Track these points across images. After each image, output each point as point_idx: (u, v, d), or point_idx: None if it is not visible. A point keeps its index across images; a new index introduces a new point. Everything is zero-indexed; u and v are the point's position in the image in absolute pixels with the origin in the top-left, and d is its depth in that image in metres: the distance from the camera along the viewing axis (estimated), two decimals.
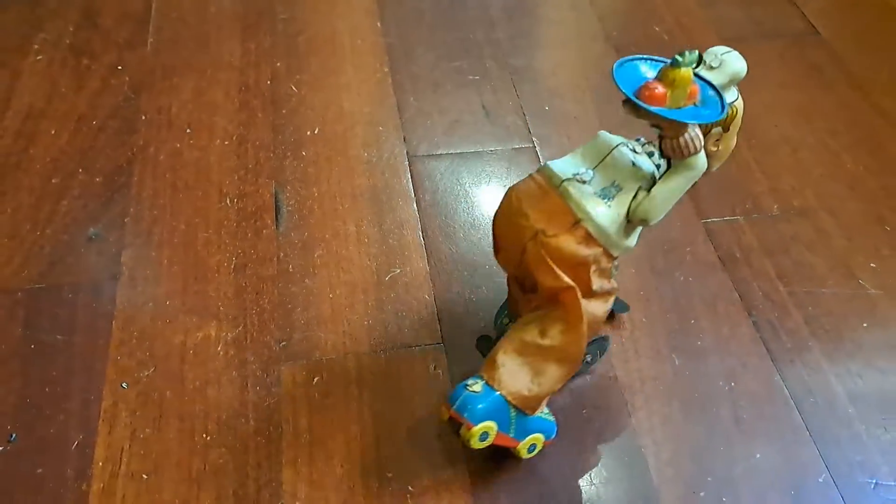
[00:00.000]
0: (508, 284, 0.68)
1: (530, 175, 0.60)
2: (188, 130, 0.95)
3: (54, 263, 0.80)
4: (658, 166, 0.59)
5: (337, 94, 1.01)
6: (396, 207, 0.88)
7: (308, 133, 0.96)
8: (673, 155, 0.55)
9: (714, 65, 0.58)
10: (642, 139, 0.61)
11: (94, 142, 0.93)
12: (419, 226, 0.87)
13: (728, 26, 1.15)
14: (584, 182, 0.57)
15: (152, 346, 0.74)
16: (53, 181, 0.89)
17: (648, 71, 0.55)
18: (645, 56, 0.56)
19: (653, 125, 0.56)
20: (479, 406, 0.58)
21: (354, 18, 1.12)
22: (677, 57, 0.53)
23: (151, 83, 1.01)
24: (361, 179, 0.91)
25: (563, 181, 0.57)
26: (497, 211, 0.61)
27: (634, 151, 0.59)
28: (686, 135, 0.54)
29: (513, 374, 0.59)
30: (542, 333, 0.59)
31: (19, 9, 1.10)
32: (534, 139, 0.97)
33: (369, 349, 0.75)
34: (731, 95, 0.61)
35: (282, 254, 0.82)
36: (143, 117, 0.96)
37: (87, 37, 1.07)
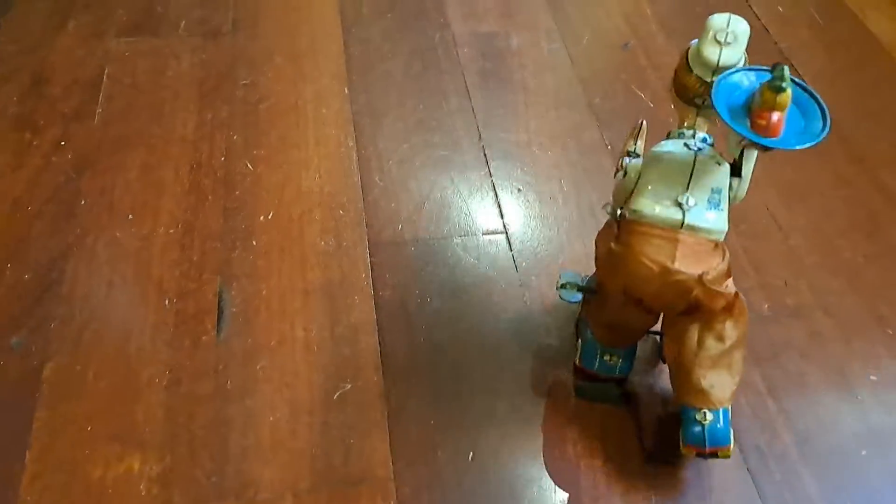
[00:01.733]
0: (614, 321, 0.67)
1: (638, 231, 0.58)
2: (130, 216, 0.88)
3: None
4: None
5: (296, 172, 0.93)
6: (352, 306, 0.80)
7: (261, 218, 0.88)
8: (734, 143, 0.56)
9: (729, 40, 0.55)
10: (685, 131, 0.60)
11: (29, 230, 0.86)
12: (376, 328, 0.79)
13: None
14: (693, 206, 0.57)
15: (68, 484, 0.66)
16: None
17: (744, 79, 0.53)
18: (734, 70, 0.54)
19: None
20: (721, 428, 0.63)
21: (321, 83, 1.04)
22: (778, 83, 0.50)
23: (96, 160, 0.93)
24: (316, 272, 0.83)
25: (682, 223, 0.57)
26: (628, 282, 0.60)
27: (699, 149, 0.59)
28: None
29: (722, 386, 0.62)
30: (720, 338, 0.62)
31: None
32: (505, 223, 0.89)
33: (310, 486, 0.67)
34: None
35: (221, 366, 0.75)
36: (84, 201, 0.89)
37: (32, 107, 0.99)
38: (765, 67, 0.53)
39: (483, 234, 0.89)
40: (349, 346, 0.77)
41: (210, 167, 0.94)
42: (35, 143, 0.96)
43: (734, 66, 0.54)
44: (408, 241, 0.88)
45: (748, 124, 0.51)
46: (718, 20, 0.56)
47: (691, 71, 0.57)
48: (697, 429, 0.63)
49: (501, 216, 0.91)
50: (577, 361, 0.72)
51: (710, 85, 0.55)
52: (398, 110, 1.02)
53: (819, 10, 1.22)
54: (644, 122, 0.66)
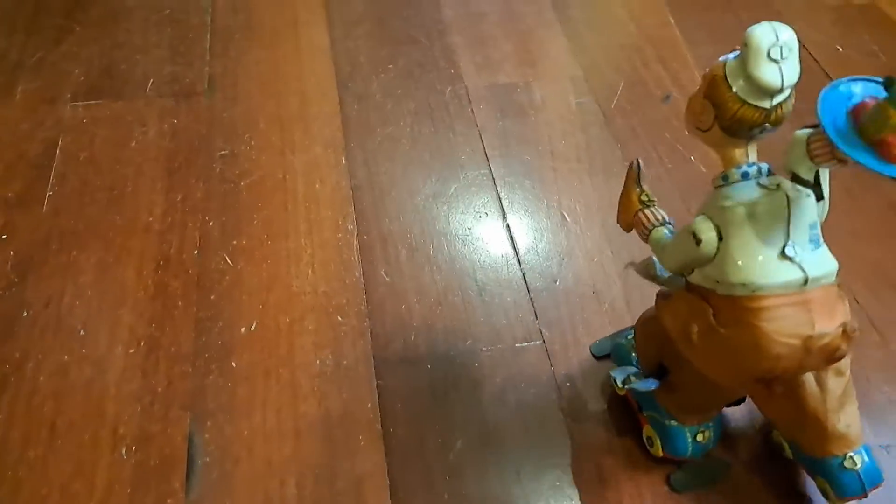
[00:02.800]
0: (710, 402, 0.62)
1: (758, 307, 0.49)
2: (82, 332, 0.70)
3: None
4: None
5: (284, 268, 0.76)
6: (357, 450, 0.63)
7: (242, 331, 0.71)
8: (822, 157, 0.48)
9: (784, 54, 0.46)
10: (747, 169, 0.51)
11: None
12: (387, 482, 0.61)
13: (778, 155, 0.89)
14: (801, 253, 0.50)
15: None
16: None
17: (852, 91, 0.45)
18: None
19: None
20: (871, 463, 0.58)
21: (313, 153, 0.87)
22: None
23: (43, 259, 0.76)
24: (310, 404, 0.66)
25: (806, 280, 0.50)
26: (759, 366, 0.51)
27: (777, 185, 0.50)
28: None
29: (855, 420, 0.57)
30: (840, 372, 0.56)
31: None
32: (542, 330, 0.71)
33: None
34: None
35: None
36: (26, 313, 0.72)
37: None
38: (872, 78, 0.46)
39: (516, 343, 0.71)
40: None
41: (180, 264, 0.77)
42: None
43: (796, 82, 0.47)
44: (423, 357, 0.70)
45: (864, 149, 0.43)
46: (765, 33, 0.46)
47: (744, 101, 0.47)
48: (851, 476, 0.57)
49: (537, 318, 0.73)
50: (661, 454, 0.63)
51: (770, 113, 0.47)
52: (406, 184, 0.85)
53: (881, 45, 1.05)
54: (640, 161, 0.59)
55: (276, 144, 0.90)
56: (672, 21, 1.10)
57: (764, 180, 0.50)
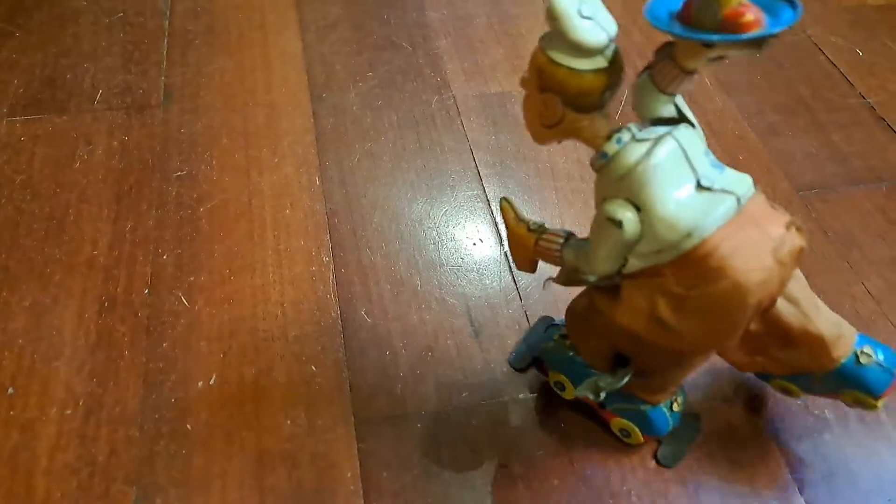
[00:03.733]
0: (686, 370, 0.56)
1: (714, 255, 0.45)
2: (10, 391, 0.59)
3: None
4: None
5: (250, 309, 0.66)
6: None
7: (199, 385, 0.60)
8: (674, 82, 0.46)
9: (593, 10, 0.44)
10: (620, 136, 0.46)
11: None
12: None
13: (802, 166, 0.80)
14: (718, 179, 0.47)
15: None
16: None
17: None
18: None
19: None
20: (887, 350, 0.55)
21: (283, 172, 0.77)
22: None
23: None
24: (278, 475, 0.55)
25: (738, 199, 0.47)
26: (749, 301, 0.46)
27: (660, 134, 0.46)
28: None
29: (836, 315, 0.55)
30: (795, 278, 0.52)
31: None
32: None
33: None
34: None
35: None
36: None
37: None
38: None
39: (521, 395, 0.60)
40: None
41: (127, 306, 0.65)
42: None
43: (617, 30, 0.45)
44: (412, 415, 0.60)
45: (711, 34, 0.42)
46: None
47: (581, 70, 0.44)
48: (874, 370, 0.54)
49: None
50: (642, 440, 0.59)
51: (609, 70, 0.45)
52: (388, 208, 0.75)
53: None
54: (507, 198, 0.54)
55: (240, 164, 0.79)
56: None
57: (641, 135, 0.46)
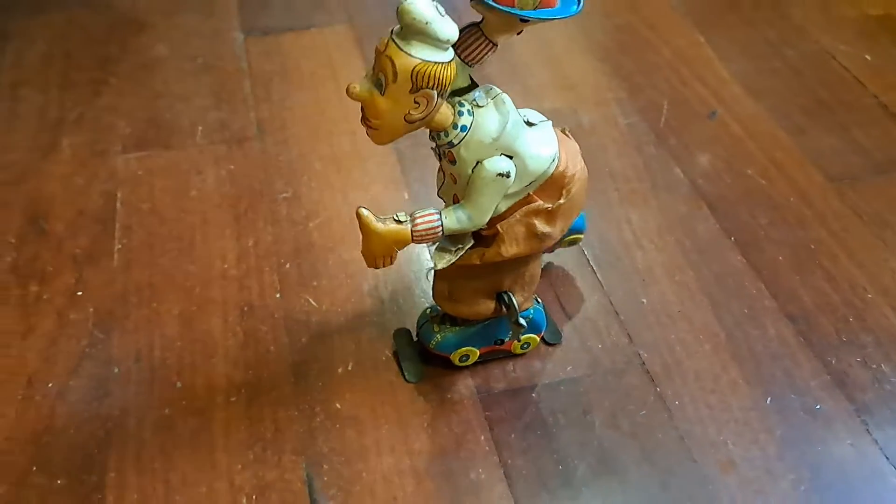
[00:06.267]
0: None
1: (563, 175, 0.61)
2: (179, 385, 0.69)
3: None
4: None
5: (369, 304, 0.76)
6: (479, 485, 0.65)
7: (340, 371, 0.71)
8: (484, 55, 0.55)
9: (441, 8, 0.51)
10: (460, 100, 0.56)
11: (51, 418, 0.66)
12: None
13: (831, 160, 0.91)
14: (533, 115, 0.60)
15: None
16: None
17: None
18: None
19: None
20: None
21: (374, 190, 0.87)
22: None
23: (125, 314, 0.75)
24: (423, 441, 0.67)
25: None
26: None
27: (488, 94, 0.57)
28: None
29: None
30: None
31: None
32: (639, 353, 0.71)
33: None
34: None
35: None
36: (117, 369, 0.70)
37: (34, 251, 0.81)
38: None
39: (615, 367, 0.71)
40: None
41: (265, 309, 0.76)
42: (45, 296, 0.76)
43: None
44: (526, 387, 0.72)
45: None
46: (420, 3, 0.50)
47: (447, 63, 0.51)
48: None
49: (631, 341, 0.73)
50: (538, 342, 0.74)
51: (461, 56, 0.54)
52: None
53: None
54: (363, 208, 0.59)
55: (335, 184, 0.90)
56: (702, 40, 1.11)
57: (479, 101, 0.55)
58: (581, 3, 0.53)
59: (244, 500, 0.63)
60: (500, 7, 0.50)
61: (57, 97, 1.02)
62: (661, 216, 0.86)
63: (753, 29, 1.14)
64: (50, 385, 0.71)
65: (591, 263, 0.81)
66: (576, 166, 0.60)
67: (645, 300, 0.78)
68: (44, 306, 0.77)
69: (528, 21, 0.51)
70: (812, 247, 0.82)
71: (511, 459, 0.66)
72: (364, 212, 0.57)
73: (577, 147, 0.62)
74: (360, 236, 0.57)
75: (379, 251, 0.57)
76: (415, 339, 0.73)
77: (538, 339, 0.72)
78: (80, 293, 0.78)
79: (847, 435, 0.67)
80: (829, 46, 1.11)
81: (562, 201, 0.59)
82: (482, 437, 0.67)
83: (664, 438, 0.67)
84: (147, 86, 1.04)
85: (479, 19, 0.55)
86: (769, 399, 0.70)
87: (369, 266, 0.59)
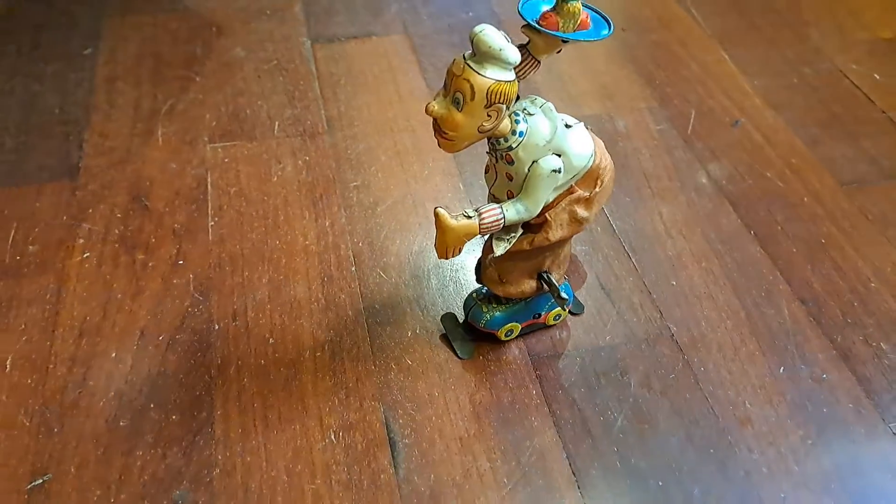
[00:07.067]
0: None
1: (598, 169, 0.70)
2: (271, 340, 0.80)
3: None
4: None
5: (433, 278, 0.87)
6: (532, 431, 0.76)
7: (409, 334, 0.82)
8: (531, 71, 0.64)
9: (532, 112, 0.65)
10: (514, 111, 0.65)
11: (163, 365, 0.78)
12: (565, 455, 0.72)
13: (842, 167, 1.03)
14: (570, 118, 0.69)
15: None
16: (122, 423, 0.73)
17: (546, 6, 0.61)
18: None
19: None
20: None
21: (433, 182, 0.99)
22: None
23: (221, 280, 0.86)
24: (482, 394, 0.78)
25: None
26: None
27: (535, 102, 0.67)
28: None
29: None
30: None
31: (55, 191, 0.96)
32: (669, 326, 0.82)
33: None
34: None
35: None
36: (217, 326, 0.82)
37: (138, 224, 0.93)
38: None
39: (649, 338, 0.82)
40: (539, 471, 0.70)
41: (343, 279, 0.88)
42: (151, 263, 0.89)
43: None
44: (571, 352, 0.83)
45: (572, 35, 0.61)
46: (491, 31, 0.59)
47: (512, 81, 0.60)
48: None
49: (662, 316, 0.84)
50: (566, 313, 0.84)
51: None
52: None
53: None
54: (440, 208, 0.68)
55: (399, 175, 1.02)
56: (727, 57, 1.23)
57: (530, 109, 0.64)
58: (611, 27, 0.61)
59: (332, 436, 0.74)
60: (547, 31, 0.59)
61: (149, 91, 1.14)
62: (689, 211, 0.97)
63: (774, 48, 1.26)
64: (161, 337, 0.82)
65: (627, 250, 0.92)
66: (606, 159, 0.69)
67: (674, 282, 0.89)
68: (150, 272, 0.89)
69: (567, 42, 0.60)
70: (823, 241, 0.93)
71: (559, 410, 0.77)
72: (441, 211, 0.64)
73: (602, 142, 0.70)
74: (434, 231, 0.68)
75: (451, 243, 0.66)
76: (461, 321, 0.84)
77: (566, 311, 0.83)
78: (181, 262, 0.90)
79: (849, 400, 0.78)
80: (842, 66, 1.22)
81: (597, 189, 0.69)
82: (534, 392, 0.79)
83: (690, 398, 0.78)
84: (228, 83, 1.16)
85: (525, 41, 0.65)
86: (782, 369, 0.81)
87: (440, 257, 0.67)
